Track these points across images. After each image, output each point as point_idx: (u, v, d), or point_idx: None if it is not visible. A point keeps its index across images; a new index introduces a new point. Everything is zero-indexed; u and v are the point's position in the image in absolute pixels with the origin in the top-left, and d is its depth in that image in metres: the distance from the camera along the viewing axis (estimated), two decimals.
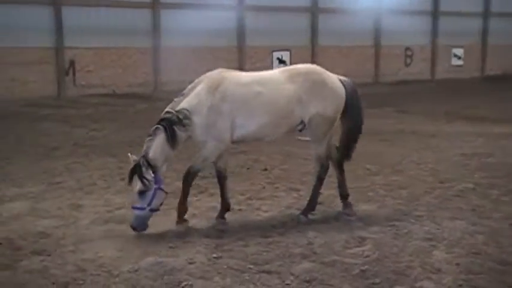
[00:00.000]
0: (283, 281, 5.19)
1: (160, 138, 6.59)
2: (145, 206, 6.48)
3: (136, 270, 5.38)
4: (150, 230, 6.56)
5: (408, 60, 28.05)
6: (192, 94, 6.77)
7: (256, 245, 6.09)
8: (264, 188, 8.53)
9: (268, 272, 5.37)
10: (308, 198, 7.29)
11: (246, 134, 6.90)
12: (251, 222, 6.94)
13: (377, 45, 26.71)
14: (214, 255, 5.75)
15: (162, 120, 6.66)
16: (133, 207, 6.55)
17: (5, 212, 7.34)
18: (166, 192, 6.72)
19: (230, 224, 6.84)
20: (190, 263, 5.52)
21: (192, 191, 8.16)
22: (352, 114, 7.34)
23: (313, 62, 23.72)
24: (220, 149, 6.84)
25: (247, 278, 5.25)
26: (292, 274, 5.33)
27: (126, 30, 19.70)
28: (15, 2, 17.76)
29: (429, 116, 16.55)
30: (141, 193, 6.47)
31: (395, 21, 26.11)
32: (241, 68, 21.95)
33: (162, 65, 20.26)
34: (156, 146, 6.57)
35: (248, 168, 9.76)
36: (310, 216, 7.09)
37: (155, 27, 20.50)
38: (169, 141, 6.60)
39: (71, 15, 18.57)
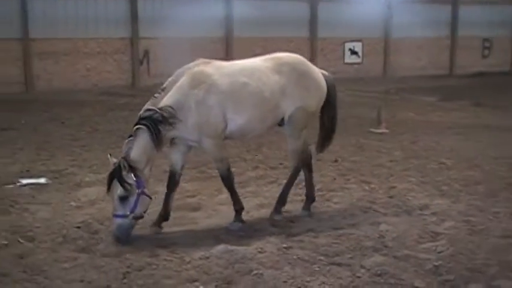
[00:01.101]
0: (354, 274, 5.13)
1: (143, 138, 5.97)
2: (127, 213, 5.87)
3: (207, 258, 5.46)
4: (220, 219, 6.64)
5: (486, 52, 27.14)
6: (174, 89, 6.14)
7: (327, 237, 6.05)
8: (334, 179, 8.47)
9: (339, 264, 5.32)
10: (279, 194, 6.97)
11: (234, 129, 6.39)
12: (321, 214, 6.89)
13: (453, 37, 25.96)
14: (284, 245, 5.75)
15: (143, 119, 6.02)
16: (114, 215, 5.92)
17: (82, 196, 7.60)
18: (150, 197, 6.13)
19: (300, 215, 6.82)
20: (261, 252, 5.55)
21: (262, 181, 8.23)
22: (329, 110, 7.12)
23: (386, 53, 23.44)
24: (219, 144, 6.38)
25: (317, 269, 5.23)
26: (363, 267, 5.27)
27: (198, 20, 19.94)
28: None
29: (507, 110, 15.96)
30: (122, 199, 5.85)
31: (472, 11, 25.29)
32: (312, 60, 21.89)
33: (234, 54, 20.39)
34: (138, 147, 5.96)
35: (318, 160, 9.69)
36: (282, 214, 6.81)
37: (227, 17, 20.69)
38: (154, 141, 5.99)
39: (146, 6, 18.94)
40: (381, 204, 7.24)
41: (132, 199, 5.88)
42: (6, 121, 13.53)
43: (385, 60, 23.56)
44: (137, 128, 6.00)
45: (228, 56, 20.41)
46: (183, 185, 8.10)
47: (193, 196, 7.58)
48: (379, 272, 5.14)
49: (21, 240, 5.99)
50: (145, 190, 6.02)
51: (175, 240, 6.01)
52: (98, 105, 15.67)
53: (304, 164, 7.04)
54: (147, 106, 6.09)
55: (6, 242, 5.91)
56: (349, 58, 23.24)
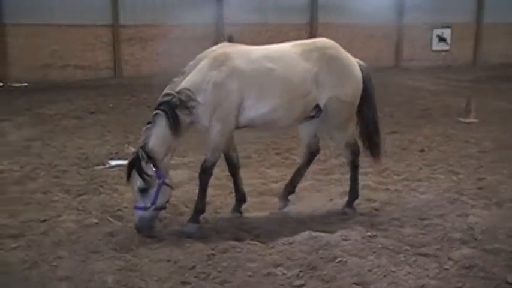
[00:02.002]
0: (441, 265, 4.98)
1: (161, 125, 5.72)
2: (149, 205, 5.67)
3: (291, 243, 5.45)
4: (303, 205, 6.62)
5: None
6: (194, 71, 5.85)
7: (413, 227, 5.91)
8: (420, 169, 8.24)
9: (425, 255, 5.18)
10: (349, 189, 6.61)
11: (255, 117, 6.00)
12: (407, 204, 6.73)
13: None
14: (369, 234, 5.66)
15: (161, 104, 5.75)
16: (136, 208, 5.73)
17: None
18: (171, 187, 5.94)
19: (385, 204, 6.69)
20: (345, 240, 5.48)
21: (345, 169, 8.12)
22: (367, 107, 6.52)
23: (477, 39, 22.51)
24: (226, 134, 5.93)
25: (402, 259, 5.11)
26: (450, 259, 5.10)
27: (283, 6, 19.89)
28: None
29: None
30: (143, 191, 5.65)
31: None
32: (398, 46, 21.38)
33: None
34: (157, 135, 5.71)
35: (404, 149, 9.48)
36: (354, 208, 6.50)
37: (312, 4, 20.54)
38: (171, 128, 5.71)
39: None
40: (469, 195, 6.97)
41: (153, 191, 5.67)
42: (96, 105, 14.05)
43: (475, 47, 22.64)
44: (155, 114, 5.76)
45: None
46: (267, 171, 8.15)
47: (277, 182, 7.59)
48: (467, 265, 4.96)
49: (111, 220, 6.21)
50: (167, 180, 5.79)
51: (259, 225, 6.04)
52: None
53: (309, 158, 6.67)
54: (165, 90, 5.84)
55: (96, 221, 6.14)
56: (437, 45, 22.50)
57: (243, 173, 7.91)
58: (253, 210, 6.50)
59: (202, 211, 6.08)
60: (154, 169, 5.67)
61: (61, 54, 18.12)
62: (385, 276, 4.78)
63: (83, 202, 6.79)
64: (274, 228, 5.90)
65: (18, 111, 12.85)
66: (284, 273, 4.86)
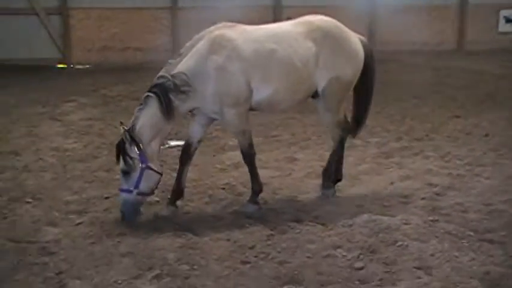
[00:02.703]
0: (507, 253, 4.83)
1: (152, 108, 5.53)
2: (131, 188, 5.52)
3: (350, 225, 5.40)
4: (363, 188, 6.54)
5: None
6: (191, 54, 5.60)
7: (476, 212, 5.75)
8: (484, 154, 7.98)
9: (490, 241, 5.03)
10: (334, 170, 6.41)
11: (260, 99, 5.81)
12: (470, 189, 6.54)
13: None
14: (431, 218, 5.54)
15: (155, 86, 5.58)
16: (120, 189, 5.63)
17: (226, 160, 7.81)
18: (159, 173, 5.71)
19: (447, 188, 6.53)
20: (406, 224, 5.39)
21: (406, 153, 7.98)
22: (365, 80, 6.37)
23: None
24: (243, 114, 5.77)
25: (466, 244, 4.99)
26: None
27: None
28: None
29: None
30: (125, 173, 5.51)
31: None
32: (461, 28, 20.72)
33: (378, 25, 19.80)
34: (146, 118, 5.52)
35: (467, 134, 9.21)
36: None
37: None
38: (163, 112, 5.51)
39: None
40: None
41: (135, 174, 5.49)
42: None
43: None
44: (146, 96, 5.58)
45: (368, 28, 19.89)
46: (325, 154, 8.07)
47: None
48: None
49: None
50: (152, 165, 5.57)
51: (318, 206, 5.99)
52: None
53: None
54: (160, 73, 5.65)
55: (158, 199, 6.23)
56: (504, 27, 21.63)
57: (303, 155, 7.96)
58: (312, 192, 6.45)
59: (260, 191, 6.03)
60: (138, 152, 5.48)
61: (121, 36, 18.40)
62: (447, 261, 4.67)
63: None
64: (333, 210, 5.85)
65: (82, 92, 13.14)
66: (344, 255, 4.82)
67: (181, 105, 5.62)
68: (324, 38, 5.94)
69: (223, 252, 4.91)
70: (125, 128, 5.49)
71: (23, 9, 17.46)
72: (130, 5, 18.13)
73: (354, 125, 6.60)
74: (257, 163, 7.39)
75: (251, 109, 5.92)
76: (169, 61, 5.69)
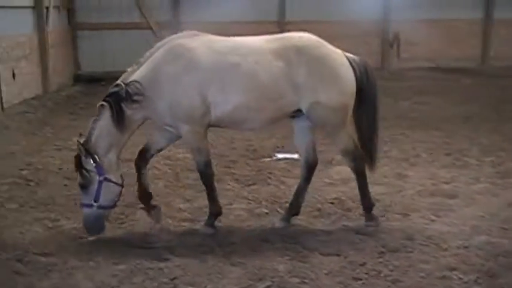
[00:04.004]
0: None
1: (105, 119, 5.32)
2: (91, 202, 5.36)
3: (466, 247, 5.19)
4: (478, 209, 6.26)
5: None
6: (148, 62, 5.40)
7: None
8: None
9: None
10: (360, 199, 5.93)
11: (220, 116, 5.43)
12: None
13: None
14: None
15: (109, 95, 5.35)
16: (81, 204, 5.50)
17: (335, 174, 7.74)
18: (120, 185, 5.51)
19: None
20: None
21: None
22: (362, 104, 5.74)
23: None
24: (198, 132, 5.47)
25: None
26: None
27: (454, 1, 18.99)
28: None
29: None
30: (83, 187, 5.35)
31: None
32: (484, 45, 19.36)
33: (492, 38, 19.05)
34: (100, 129, 5.32)
35: None
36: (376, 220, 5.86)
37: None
38: (114, 122, 5.28)
39: None
40: None
41: (93, 187, 5.33)
42: None
43: None
44: (100, 105, 5.37)
45: (482, 39, 19.15)
46: (437, 171, 7.82)
47: (449, 183, 7.25)
48: None
49: (280, 211, 6.31)
50: (110, 177, 5.39)
51: (431, 225, 5.81)
52: None
53: (305, 170, 5.99)
54: (117, 81, 5.44)
55: (267, 211, 6.29)
56: None
57: (413, 172, 7.75)
58: (424, 210, 6.27)
59: (218, 214, 5.79)
60: (94, 164, 5.32)
61: None
62: None
63: (253, 192, 6.98)
64: (447, 230, 5.65)
65: None
66: (460, 278, 4.63)
67: (135, 114, 5.41)
68: (298, 57, 5.42)
69: (334, 267, 4.86)
70: (79, 140, 5.35)
71: (136, 23, 18.24)
72: (235, 18, 18.45)
73: (367, 158, 5.93)
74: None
75: (215, 125, 5.65)
76: (128, 69, 5.51)
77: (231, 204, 6.51)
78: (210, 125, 5.57)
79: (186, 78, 5.33)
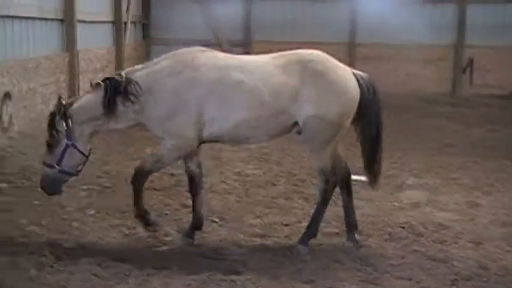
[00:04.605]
0: None
1: (96, 95, 5.45)
2: (53, 163, 5.46)
3: None
4: None
5: None
6: (153, 69, 5.46)
7: None
8: None
9: None
10: (309, 222, 5.85)
11: (219, 132, 5.48)
12: None
13: None
14: None
15: (108, 79, 5.51)
16: (43, 163, 5.59)
17: (405, 199, 7.69)
18: (85, 155, 5.58)
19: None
20: None
21: None
22: (366, 121, 5.73)
23: None
24: (180, 150, 5.53)
25: None
26: None
27: None
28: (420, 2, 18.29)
29: None
30: (49, 146, 5.47)
31: None
32: None
33: None
34: (86, 101, 5.47)
35: None
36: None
37: None
38: (104, 104, 5.36)
39: (474, 13, 18.28)
40: None
41: (58, 150, 5.43)
42: None
43: None
44: (96, 83, 5.54)
45: None
46: (510, 202, 7.64)
47: None
48: None
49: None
50: (79, 145, 5.45)
51: (506, 255, 5.71)
52: (417, 111, 15.66)
53: (341, 184, 5.94)
54: (121, 72, 5.58)
55: (336, 231, 6.31)
56: None
57: (485, 201, 7.61)
58: (498, 240, 6.15)
59: (142, 216, 5.75)
60: (65, 128, 5.40)
61: None
62: None
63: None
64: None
65: None
66: None
67: (125, 113, 5.50)
68: (303, 72, 5.45)
69: None
70: (62, 101, 5.45)
71: (208, 41, 18.62)
72: (305, 39, 18.55)
73: (369, 175, 6.10)
74: (437, 205, 7.27)
75: (212, 140, 5.69)
76: (135, 66, 5.64)
77: (300, 222, 6.56)
78: (203, 142, 5.63)
79: (185, 94, 5.38)
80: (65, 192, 6.89)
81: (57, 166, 5.47)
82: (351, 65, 18.39)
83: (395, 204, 7.46)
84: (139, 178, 5.65)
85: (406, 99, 17.44)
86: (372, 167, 6.00)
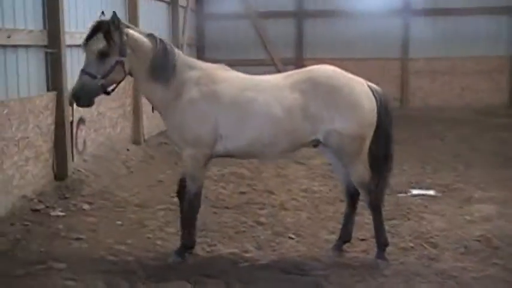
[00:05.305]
0: None
1: (149, 40, 5.57)
2: (98, 75, 5.31)
3: None
4: None
5: None
6: (186, 76, 5.61)
7: None
8: None
9: None
10: (375, 235, 5.97)
11: (232, 148, 5.62)
12: None
13: None
14: None
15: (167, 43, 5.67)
16: (83, 71, 5.34)
17: (475, 212, 7.68)
18: (124, 74, 5.51)
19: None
20: None
21: None
22: (376, 135, 5.74)
23: None
24: (200, 160, 5.61)
25: None
26: None
27: None
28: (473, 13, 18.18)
29: None
30: (102, 55, 5.29)
31: None
32: None
33: None
34: (142, 36, 5.59)
35: None
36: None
37: None
38: (156, 51, 5.52)
39: None
40: None
41: (108, 62, 5.33)
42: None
43: None
44: (150, 34, 5.65)
45: None
46: None
47: None
48: None
49: (425, 245, 6.40)
50: (126, 65, 5.44)
51: None
52: (474, 124, 15.53)
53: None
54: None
55: (412, 245, 6.39)
56: None
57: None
58: None
59: (190, 247, 5.90)
60: (121, 42, 5.35)
61: None
62: None
63: (395, 226, 7.08)
64: None
65: None
66: None
67: (158, 88, 5.61)
68: (314, 89, 5.55)
69: None
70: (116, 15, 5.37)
71: (261, 60, 18.90)
72: (358, 55, 18.66)
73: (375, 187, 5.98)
74: (507, 218, 7.27)
75: (226, 155, 5.82)
76: (178, 50, 5.77)
77: (373, 237, 6.66)
78: (218, 156, 5.76)
79: (203, 105, 5.54)
80: (144, 212, 7.27)
81: (100, 79, 5.37)
82: (404, 79, 18.58)
83: (467, 217, 7.47)
84: (191, 206, 5.78)
85: (461, 112, 17.35)
86: (378, 181, 5.96)
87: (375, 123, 5.72)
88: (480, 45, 18.16)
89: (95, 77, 5.33)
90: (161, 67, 5.56)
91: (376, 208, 5.90)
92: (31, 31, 7.82)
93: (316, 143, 5.79)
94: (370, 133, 5.72)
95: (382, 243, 5.96)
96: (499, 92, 18.43)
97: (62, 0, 8.30)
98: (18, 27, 7.55)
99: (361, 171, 5.75)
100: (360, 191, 5.89)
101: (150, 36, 5.66)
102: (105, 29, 5.30)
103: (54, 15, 8.20)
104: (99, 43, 5.30)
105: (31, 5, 7.88)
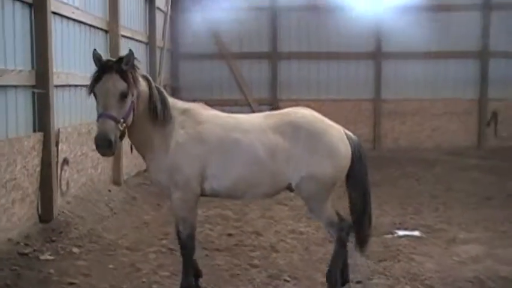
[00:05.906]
0: None
1: (148, 84, 5.55)
2: (120, 118, 5.05)
3: None
4: None
5: None
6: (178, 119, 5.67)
7: None
8: None
9: None
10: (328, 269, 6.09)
11: (218, 188, 5.69)
12: None
13: None
14: None
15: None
16: (106, 115, 4.99)
17: (462, 253, 7.80)
18: (134, 115, 5.33)
19: None
20: None
21: None
22: (352, 182, 6.03)
23: None
24: (189, 202, 5.64)
25: None
26: None
27: None
28: (443, 57, 18.71)
29: None
30: (122, 96, 5.07)
31: None
32: None
33: None
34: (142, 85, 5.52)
35: None
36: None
37: None
38: (152, 92, 5.51)
39: (497, 66, 18.65)
40: None
41: (128, 102, 5.14)
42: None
43: None
44: (144, 75, 5.58)
45: None
46: None
47: None
48: None
49: (421, 287, 6.46)
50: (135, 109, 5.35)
51: None
52: (446, 165, 15.84)
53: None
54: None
55: (409, 287, 6.44)
56: None
57: None
58: None
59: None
60: (141, 87, 5.38)
61: None
62: None
63: (387, 268, 7.13)
64: None
65: None
66: None
67: (151, 131, 5.57)
68: (295, 133, 5.68)
69: None
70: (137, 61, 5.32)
71: (235, 100, 19.01)
72: (331, 96, 18.95)
73: (356, 238, 6.18)
74: (495, 258, 7.40)
75: (211, 195, 5.86)
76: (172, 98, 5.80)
77: (370, 279, 6.70)
78: (203, 195, 5.77)
79: (191, 148, 5.57)
80: (135, 255, 7.15)
81: (122, 122, 5.13)
82: (377, 120, 18.81)
83: (455, 258, 7.59)
84: (185, 248, 5.81)
85: (433, 153, 17.70)
86: (362, 234, 6.16)
87: (347, 168, 5.90)
88: (449, 88, 18.66)
89: (118, 121, 5.09)
90: (160, 110, 5.56)
91: (343, 245, 5.99)
92: (20, 71, 7.75)
93: (291, 187, 5.85)
94: (342, 177, 5.94)
95: (332, 280, 6.02)
96: (468, 133, 18.88)
97: (51, 39, 8.25)
98: (9, 68, 7.47)
99: (329, 212, 5.90)
100: (331, 230, 5.97)
101: (144, 77, 5.62)
102: (121, 69, 5.14)
103: (43, 54, 8.15)
104: (119, 84, 5.09)
105: (21, 45, 7.83)
